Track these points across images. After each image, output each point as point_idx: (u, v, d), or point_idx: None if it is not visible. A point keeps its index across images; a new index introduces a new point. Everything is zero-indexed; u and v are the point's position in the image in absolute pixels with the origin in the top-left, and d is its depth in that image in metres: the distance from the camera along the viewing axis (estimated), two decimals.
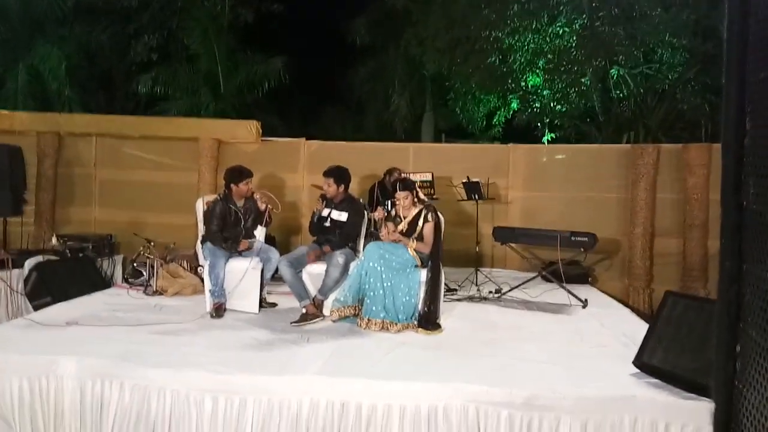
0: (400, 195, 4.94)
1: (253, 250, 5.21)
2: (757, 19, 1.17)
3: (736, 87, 1.22)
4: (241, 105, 10.96)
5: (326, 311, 4.90)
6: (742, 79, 1.21)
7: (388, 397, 3.26)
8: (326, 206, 5.29)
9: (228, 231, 5.12)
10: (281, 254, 5.21)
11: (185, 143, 7.94)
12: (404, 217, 5.01)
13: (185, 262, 5.87)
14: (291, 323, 4.64)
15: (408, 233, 4.93)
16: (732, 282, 1.20)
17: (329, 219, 5.24)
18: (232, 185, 5.18)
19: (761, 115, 1.16)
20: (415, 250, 4.85)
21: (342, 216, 5.22)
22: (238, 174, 5.19)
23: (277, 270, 5.13)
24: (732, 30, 1.24)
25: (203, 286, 5.18)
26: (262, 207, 5.21)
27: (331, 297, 4.89)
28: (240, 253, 5.14)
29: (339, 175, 5.21)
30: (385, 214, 5.19)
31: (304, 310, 4.79)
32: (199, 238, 5.42)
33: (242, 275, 5.01)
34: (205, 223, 5.20)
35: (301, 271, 5.08)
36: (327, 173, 5.21)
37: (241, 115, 9.35)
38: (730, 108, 1.23)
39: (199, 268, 5.75)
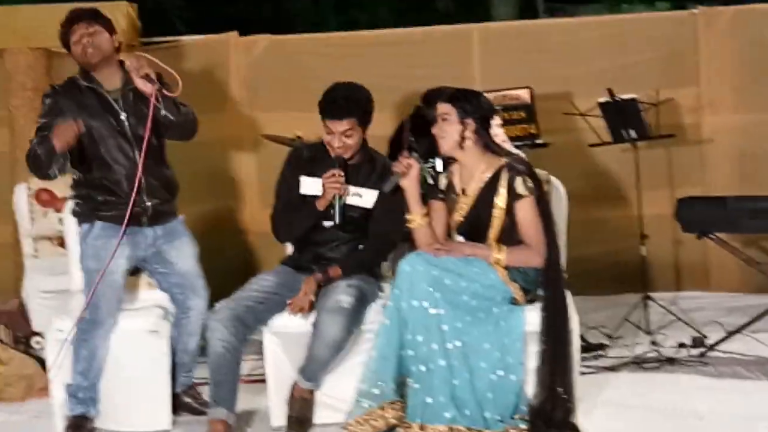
0: (444, 114, 2.42)
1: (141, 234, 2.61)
2: None
3: None
4: None
5: (328, 415, 2.57)
6: None
7: None
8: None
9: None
10: (213, 297, 2.68)
11: None
12: (461, 188, 2.51)
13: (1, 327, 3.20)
14: None
15: (475, 226, 2.46)
16: None
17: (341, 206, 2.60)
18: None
19: None
20: (506, 266, 2.44)
21: (365, 197, 2.64)
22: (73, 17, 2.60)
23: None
24: None
25: (48, 376, 2.69)
26: (147, 88, 2.51)
27: (337, 384, 2.53)
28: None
29: (365, 106, 2.59)
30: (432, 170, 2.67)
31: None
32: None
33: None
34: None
35: (256, 329, 2.61)
36: (338, 107, 2.53)
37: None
38: None
39: (33, 339, 3.16)
